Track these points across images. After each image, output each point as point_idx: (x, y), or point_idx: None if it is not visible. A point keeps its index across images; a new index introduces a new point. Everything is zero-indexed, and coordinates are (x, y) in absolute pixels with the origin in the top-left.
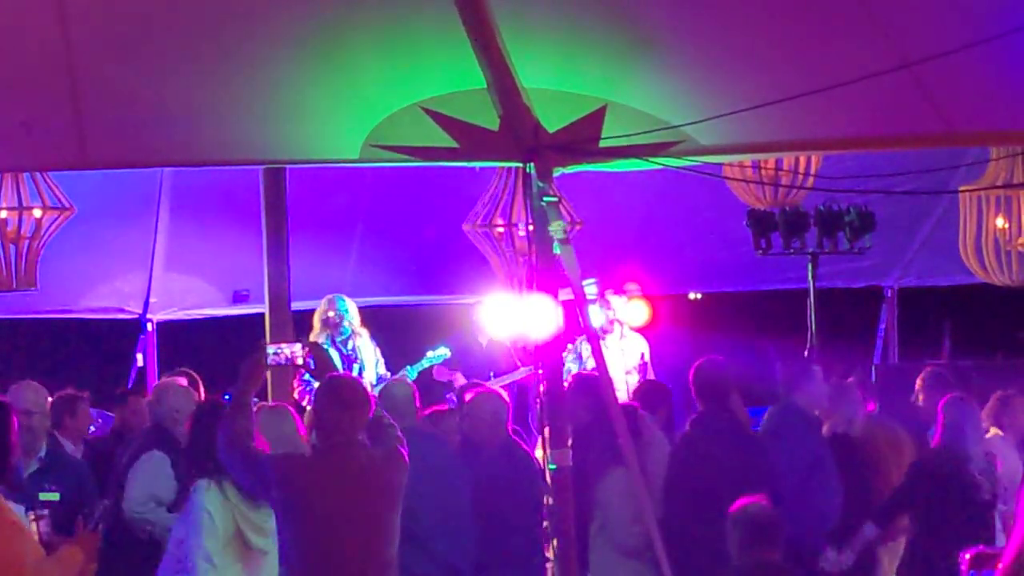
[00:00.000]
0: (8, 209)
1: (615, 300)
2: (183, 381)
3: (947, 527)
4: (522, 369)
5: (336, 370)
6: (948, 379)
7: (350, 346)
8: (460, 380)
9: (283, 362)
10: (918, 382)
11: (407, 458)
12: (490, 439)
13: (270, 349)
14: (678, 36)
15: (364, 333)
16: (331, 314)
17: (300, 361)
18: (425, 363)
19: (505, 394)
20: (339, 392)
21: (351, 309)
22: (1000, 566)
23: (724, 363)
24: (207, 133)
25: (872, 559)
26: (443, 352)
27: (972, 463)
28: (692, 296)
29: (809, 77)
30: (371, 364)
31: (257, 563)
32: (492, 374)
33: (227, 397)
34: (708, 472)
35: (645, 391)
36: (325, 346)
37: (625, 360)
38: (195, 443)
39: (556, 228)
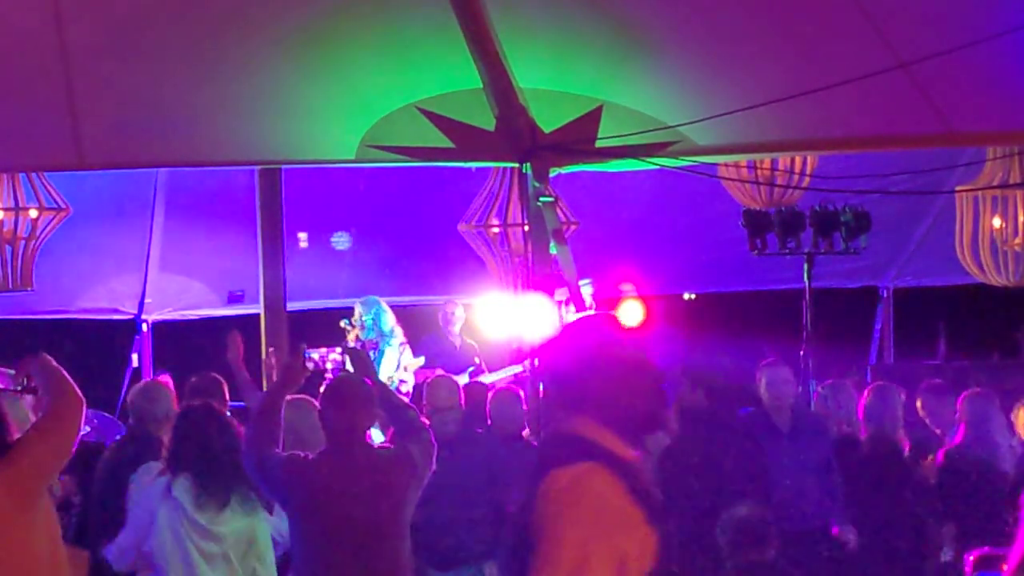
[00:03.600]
0: (4, 209)
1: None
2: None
3: (980, 521)
4: (512, 367)
5: (375, 374)
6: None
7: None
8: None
9: (316, 366)
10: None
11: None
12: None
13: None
14: (674, 36)
15: (395, 341)
16: (358, 318)
17: (330, 365)
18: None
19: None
20: (337, 392)
21: (380, 312)
22: (1006, 568)
23: (712, 362)
24: (203, 134)
25: None
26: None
27: (1000, 454)
28: (687, 296)
29: (805, 77)
30: (387, 369)
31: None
32: (468, 373)
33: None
34: (696, 471)
35: None
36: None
37: None
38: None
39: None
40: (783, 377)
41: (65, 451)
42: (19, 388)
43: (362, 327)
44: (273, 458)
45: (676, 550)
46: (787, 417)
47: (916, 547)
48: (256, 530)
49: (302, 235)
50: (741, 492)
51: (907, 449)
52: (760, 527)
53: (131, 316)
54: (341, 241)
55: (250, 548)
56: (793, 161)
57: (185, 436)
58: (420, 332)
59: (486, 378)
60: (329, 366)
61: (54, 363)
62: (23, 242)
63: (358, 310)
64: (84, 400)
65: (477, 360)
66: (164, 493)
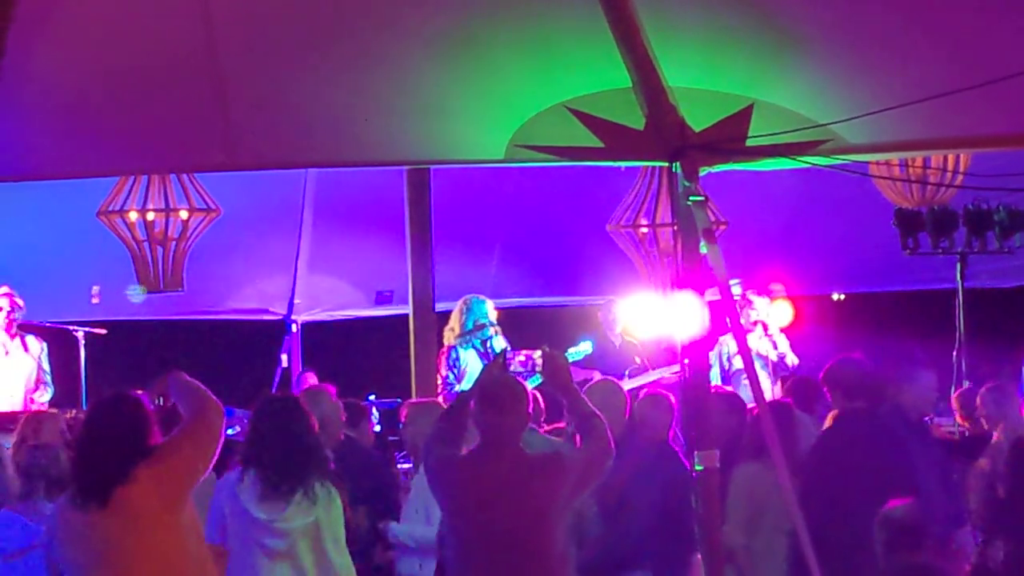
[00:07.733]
0: (155, 211)
1: (757, 300)
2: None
3: None
4: (661, 369)
5: (569, 379)
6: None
7: (488, 346)
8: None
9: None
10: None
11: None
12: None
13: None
14: (826, 32)
15: (498, 334)
16: (467, 316)
17: (516, 367)
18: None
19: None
20: (488, 394)
21: (490, 309)
22: None
23: (861, 361)
24: (352, 134)
25: None
26: (585, 348)
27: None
28: (836, 296)
29: (958, 74)
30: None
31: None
32: (627, 374)
33: (371, 398)
34: (843, 471)
35: (798, 388)
36: (465, 348)
37: (768, 360)
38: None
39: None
40: (933, 385)
41: (210, 453)
42: (157, 405)
43: (483, 324)
44: (434, 452)
45: None
46: (918, 422)
47: None
48: (321, 523)
49: (95, 288)
50: (883, 491)
51: None
52: (918, 528)
53: (280, 317)
54: (135, 295)
55: (317, 542)
56: (946, 159)
57: (255, 430)
58: (575, 332)
59: (631, 382)
60: (515, 368)
61: (187, 377)
62: (174, 243)
63: (469, 306)
64: (222, 407)
65: (638, 360)
66: (231, 489)
